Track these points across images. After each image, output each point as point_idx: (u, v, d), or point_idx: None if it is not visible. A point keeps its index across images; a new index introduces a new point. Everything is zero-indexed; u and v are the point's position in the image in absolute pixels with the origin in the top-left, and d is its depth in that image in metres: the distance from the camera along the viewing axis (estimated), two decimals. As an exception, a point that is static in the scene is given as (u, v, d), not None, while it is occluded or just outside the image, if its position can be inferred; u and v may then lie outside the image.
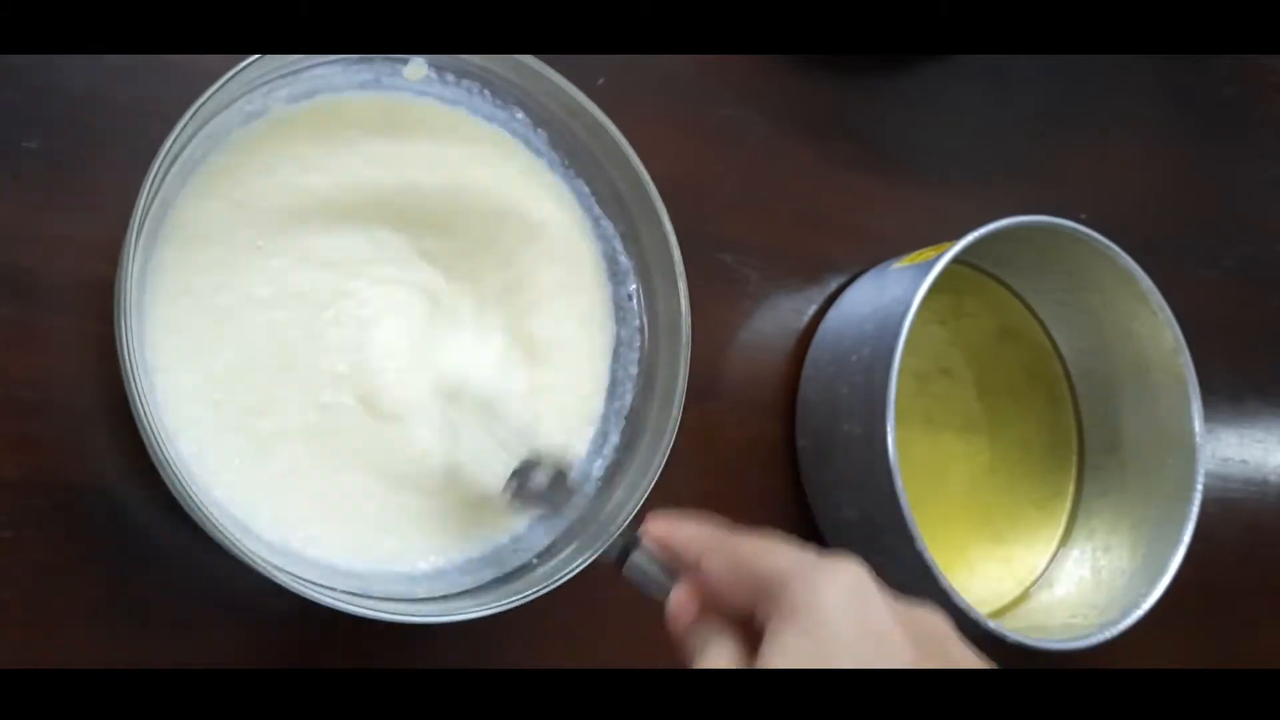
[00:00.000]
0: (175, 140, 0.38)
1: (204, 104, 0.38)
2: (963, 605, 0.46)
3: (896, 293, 0.49)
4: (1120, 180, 0.67)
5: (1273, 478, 0.68)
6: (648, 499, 0.42)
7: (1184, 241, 0.68)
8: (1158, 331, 0.55)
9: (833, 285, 0.57)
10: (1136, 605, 0.51)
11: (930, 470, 0.56)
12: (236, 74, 0.39)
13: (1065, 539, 0.58)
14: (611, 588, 0.37)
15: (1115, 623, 0.51)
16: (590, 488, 0.46)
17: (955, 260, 0.49)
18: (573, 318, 0.48)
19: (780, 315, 0.55)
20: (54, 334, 0.43)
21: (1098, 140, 0.67)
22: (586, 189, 0.48)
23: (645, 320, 0.48)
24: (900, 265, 0.52)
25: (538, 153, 0.48)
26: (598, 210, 0.48)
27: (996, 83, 0.63)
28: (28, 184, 0.43)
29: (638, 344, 0.48)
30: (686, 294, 0.45)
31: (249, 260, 0.43)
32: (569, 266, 0.48)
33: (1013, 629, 0.49)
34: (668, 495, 0.42)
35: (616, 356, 0.48)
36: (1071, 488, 0.59)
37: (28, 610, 0.41)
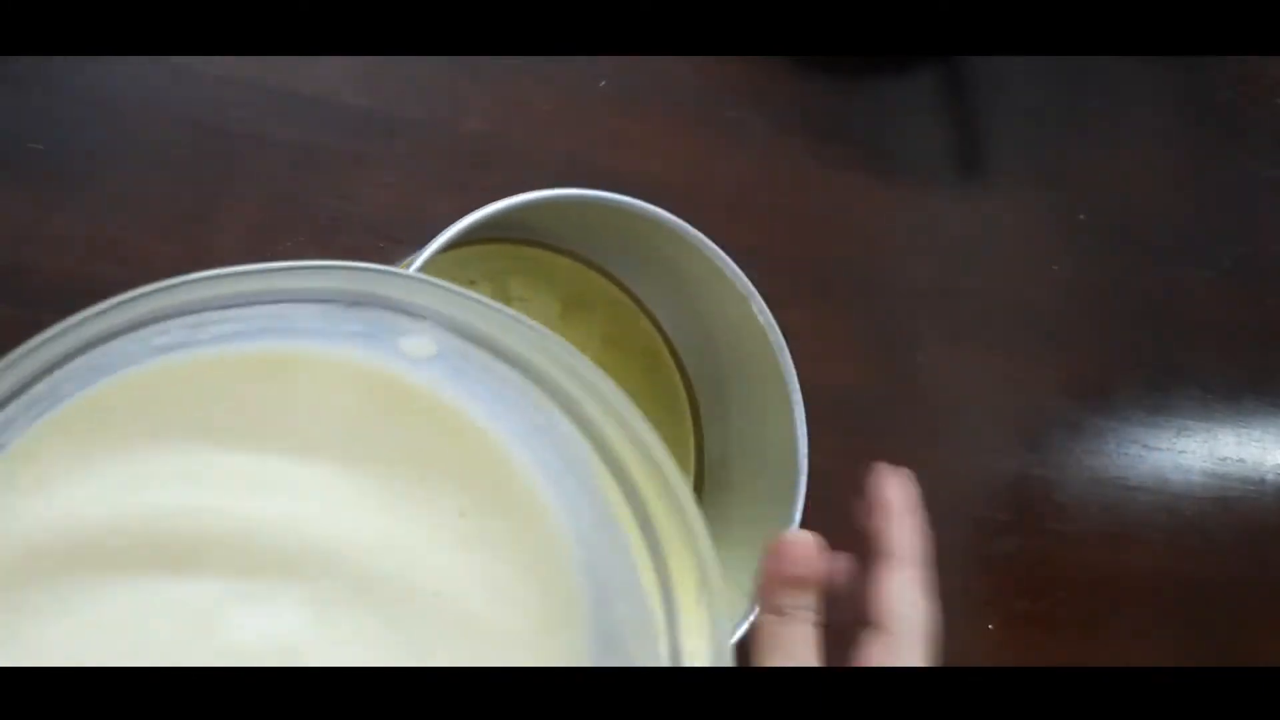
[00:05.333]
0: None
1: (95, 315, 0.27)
2: None
3: None
4: (1119, 180, 0.67)
5: (1270, 477, 0.68)
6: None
7: (1183, 241, 0.68)
8: (752, 324, 0.44)
9: (831, 284, 0.57)
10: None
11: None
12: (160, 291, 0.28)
13: None
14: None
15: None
16: None
17: (565, 254, 0.47)
18: None
19: (779, 316, 0.55)
20: (57, 334, 0.43)
21: (1097, 141, 0.67)
22: None
23: None
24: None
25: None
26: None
27: (996, 84, 0.63)
28: (31, 184, 0.43)
29: None
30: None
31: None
32: None
33: None
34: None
35: None
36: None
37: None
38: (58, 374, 0.29)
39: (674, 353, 0.51)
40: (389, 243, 0.48)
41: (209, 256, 0.46)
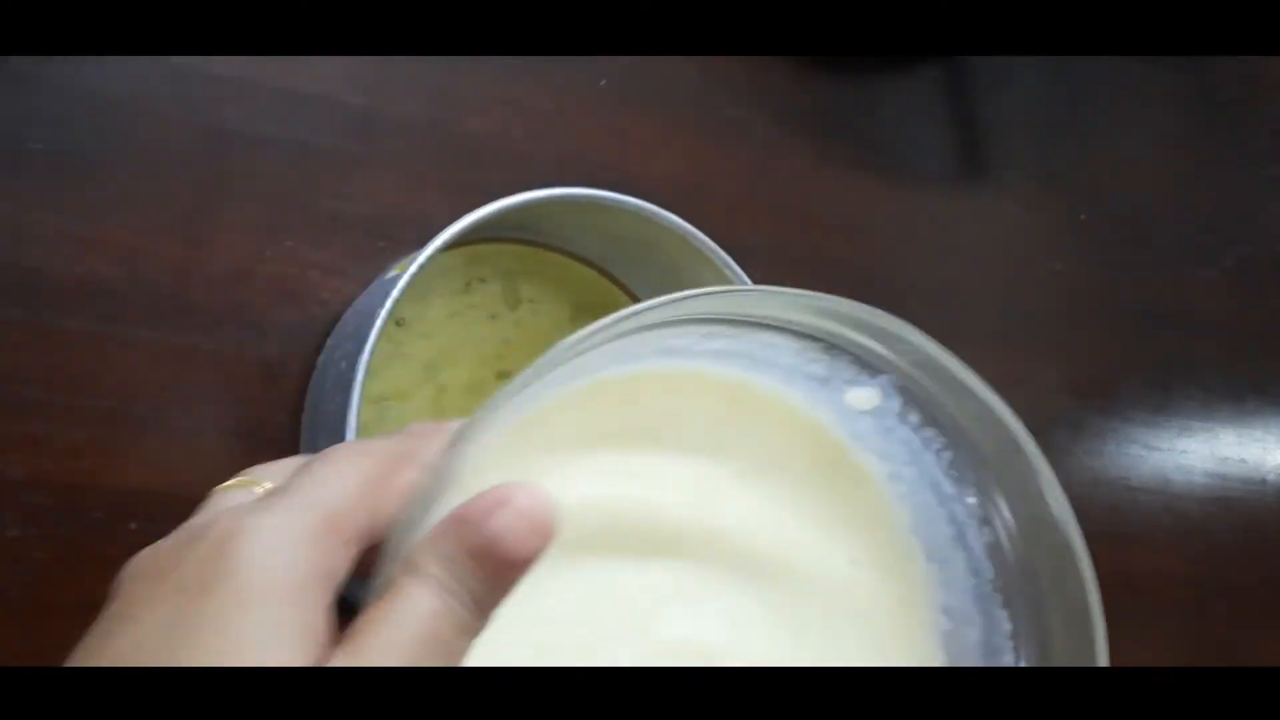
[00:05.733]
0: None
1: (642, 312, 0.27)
2: None
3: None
4: (1120, 180, 0.67)
5: (1271, 477, 0.68)
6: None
7: (1184, 241, 0.68)
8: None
9: (833, 284, 0.57)
10: None
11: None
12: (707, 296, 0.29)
13: None
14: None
15: None
16: None
17: (575, 258, 0.47)
18: None
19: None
20: (58, 333, 0.43)
21: (1099, 141, 0.67)
22: None
23: None
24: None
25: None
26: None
27: (997, 83, 0.63)
28: (32, 184, 0.43)
29: None
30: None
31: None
32: None
33: None
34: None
35: None
36: None
37: (31, 608, 0.41)
38: (589, 355, 0.30)
39: None
40: (389, 243, 0.48)
41: (209, 256, 0.46)
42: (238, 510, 0.25)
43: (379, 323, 0.36)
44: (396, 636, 0.24)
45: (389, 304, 0.37)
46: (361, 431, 0.37)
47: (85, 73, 0.44)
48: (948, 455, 0.37)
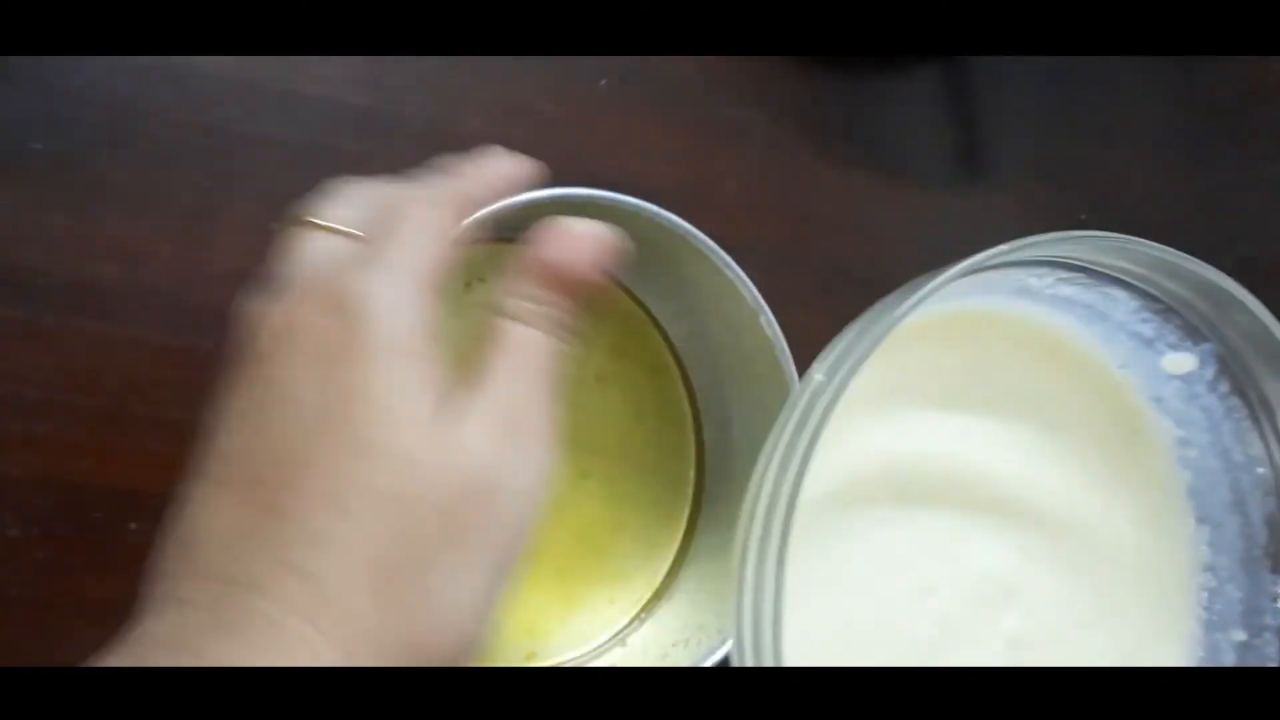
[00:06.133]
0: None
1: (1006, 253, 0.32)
2: None
3: None
4: (1120, 180, 0.67)
5: (1272, 477, 0.68)
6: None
7: (1184, 241, 0.68)
8: (759, 335, 0.44)
9: (833, 284, 0.57)
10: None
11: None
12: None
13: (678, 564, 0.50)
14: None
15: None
16: None
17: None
18: None
19: (781, 317, 0.55)
20: (59, 333, 0.43)
21: (1098, 141, 0.67)
22: None
23: None
24: None
25: None
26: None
27: (997, 84, 0.63)
28: (32, 184, 0.43)
29: None
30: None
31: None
32: None
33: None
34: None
35: None
36: (687, 510, 0.51)
37: (32, 609, 0.41)
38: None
39: (680, 365, 0.51)
40: (389, 243, 0.48)
41: (209, 257, 0.46)
42: (343, 269, 0.28)
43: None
44: (511, 365, 0.29)
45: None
46: None
47: (85, 73, 0.44)
48: (1247, 426, 0.41)
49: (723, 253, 0.43)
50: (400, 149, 0.49)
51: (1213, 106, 0.71)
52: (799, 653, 0.34)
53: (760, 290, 0.55)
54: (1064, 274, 0.39)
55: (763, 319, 0.44)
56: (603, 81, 0.50)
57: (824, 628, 0.38)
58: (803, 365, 0.44)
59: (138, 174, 0.45)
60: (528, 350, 0.30)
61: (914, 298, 0.31)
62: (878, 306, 0.32)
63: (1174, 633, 0.42)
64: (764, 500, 0.31)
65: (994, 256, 0.33)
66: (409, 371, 0.27)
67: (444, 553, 0.26)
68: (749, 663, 0.31)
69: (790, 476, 0.31)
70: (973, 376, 0.42)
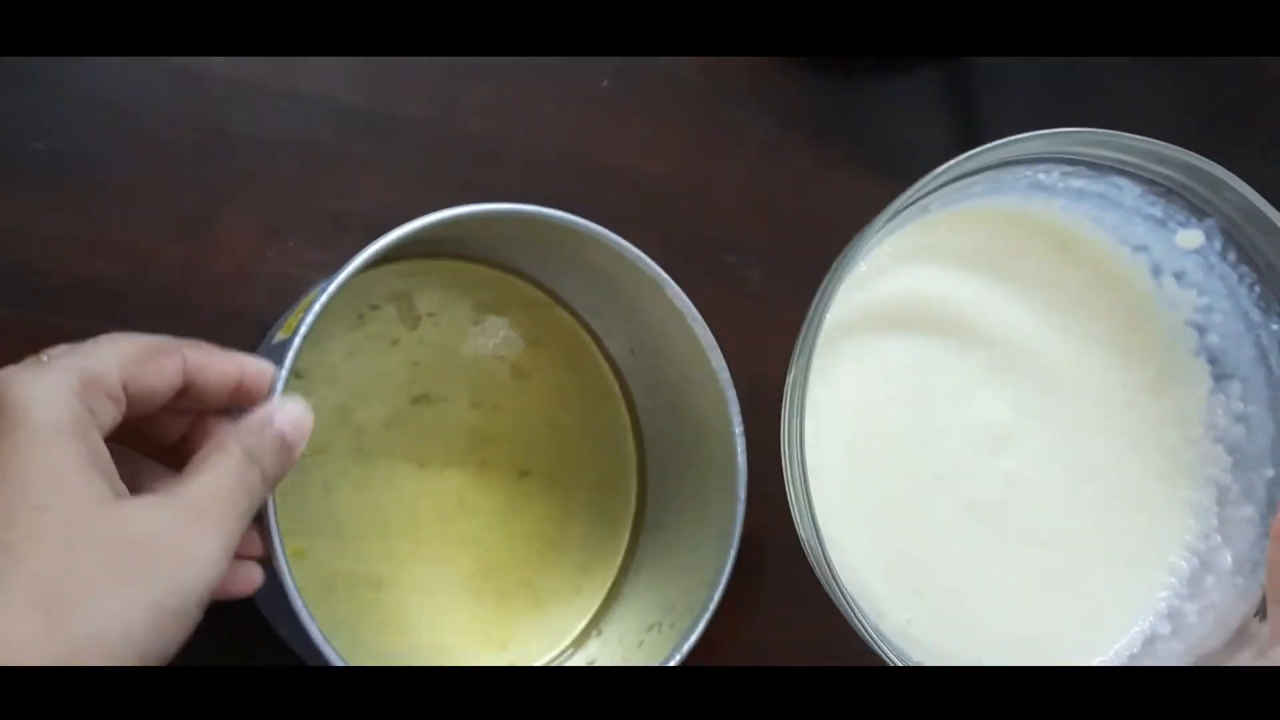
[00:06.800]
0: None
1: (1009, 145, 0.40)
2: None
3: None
4: (1120, 180, 0.67)
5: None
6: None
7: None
8: (678, 321, 0.45)
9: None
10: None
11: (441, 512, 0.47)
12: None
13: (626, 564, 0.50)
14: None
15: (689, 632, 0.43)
16: None
17: (474, 260, 0.47)
18: None
19: (782, 315, 0.55)
20: (59, 333, 0.43)
21: (1098, 140, 0.67)
22: None
23: None
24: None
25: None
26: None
27: (997, 84, 0.63)
28: (35, 184, 0.43)
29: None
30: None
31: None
32: None
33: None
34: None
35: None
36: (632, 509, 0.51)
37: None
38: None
39: (596, 339, 0.50)
40: (390, 243, 0.48)
41: (210, 257, 0.46)
42: (9, 372, 0.31)
43: (279, 387, 0.36)
44: (215, 482, 0.32)
45: (284, 372, 0.36)
46: (281, 499, 0.36)
47: (86, 73, 0.44)
48: (1258, 289, 0.46)
49: (631, 246, 0.43)
50: (400, 149, 0.49)
51: (1213, 106, 0.71)
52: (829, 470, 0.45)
53: (760, 289, 0.56)
54: (1067, 168, 0.45)
55: (668, 291, 0.44)
56: (603, 82, 0.50)
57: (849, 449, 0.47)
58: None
59: (139, 174, 0.45)
60: (233, 472, 0.33)
61: (928, 177, 0.41)
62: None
63: (1185, 477, 0.49)
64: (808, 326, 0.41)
65: (981, 154, 0.40)
66: (62, 452, 0.30)
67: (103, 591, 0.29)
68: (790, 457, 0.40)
69: (823, 302, 0.41)
70: (990, 258, 0.48)
